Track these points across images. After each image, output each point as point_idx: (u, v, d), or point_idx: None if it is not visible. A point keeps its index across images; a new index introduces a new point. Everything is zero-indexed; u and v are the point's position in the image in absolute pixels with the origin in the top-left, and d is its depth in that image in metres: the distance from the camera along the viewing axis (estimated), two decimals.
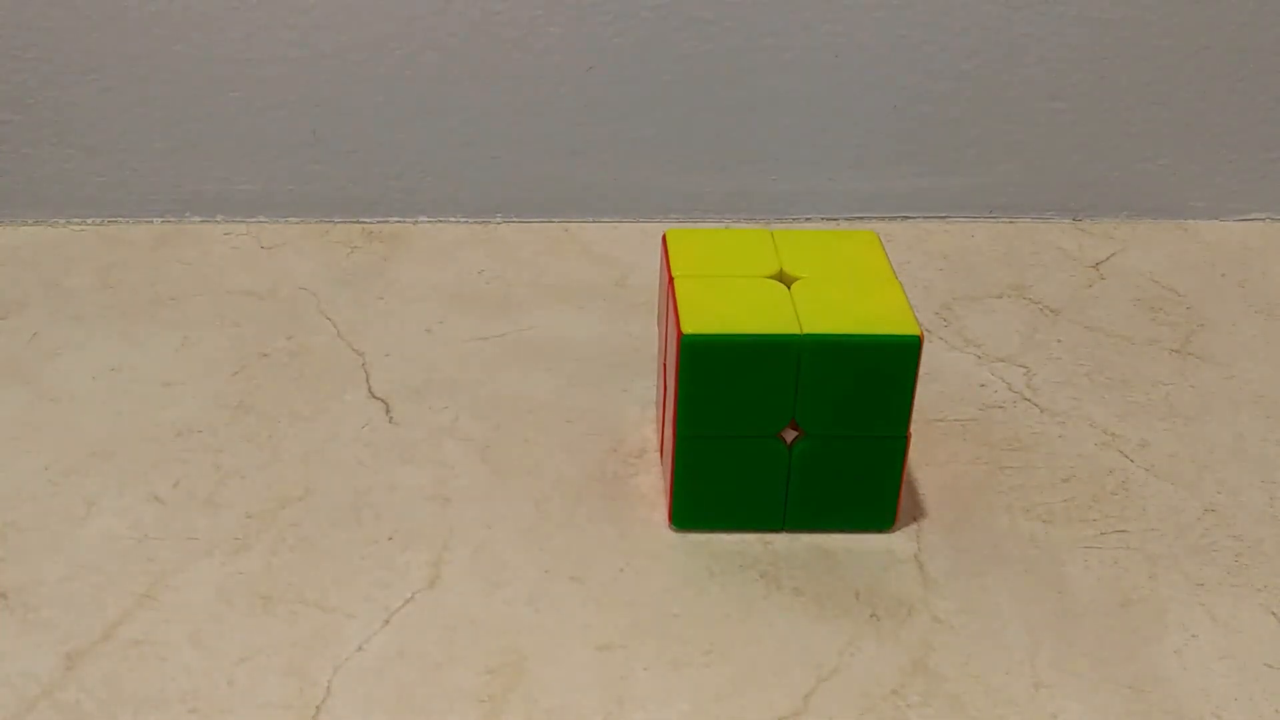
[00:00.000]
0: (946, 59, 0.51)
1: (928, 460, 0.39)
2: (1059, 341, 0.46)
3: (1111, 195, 0.54)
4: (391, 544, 0.36)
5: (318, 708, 0.30)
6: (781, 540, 0.36)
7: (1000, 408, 0.42)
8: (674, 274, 0.35)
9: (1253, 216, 0.54)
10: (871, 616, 0.33)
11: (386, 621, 0.33)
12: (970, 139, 0.53)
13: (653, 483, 0.38)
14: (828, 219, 0.53)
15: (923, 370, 0.44)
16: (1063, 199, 0.54)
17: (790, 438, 0.35)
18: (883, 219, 0.54)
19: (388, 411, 0.41)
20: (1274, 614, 0.34)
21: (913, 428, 0.35)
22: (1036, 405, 0.42)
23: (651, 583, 0.34)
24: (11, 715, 0.30)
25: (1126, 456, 0.40)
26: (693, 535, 0.36)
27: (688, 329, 0.33)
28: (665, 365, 0.36)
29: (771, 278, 0.36)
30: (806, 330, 0.33)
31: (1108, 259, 0.51)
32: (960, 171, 0.53)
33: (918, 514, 0.37)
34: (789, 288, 0.35)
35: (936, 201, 0.54)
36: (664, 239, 0.37)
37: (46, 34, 0.49)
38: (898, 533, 0.36)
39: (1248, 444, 0.41)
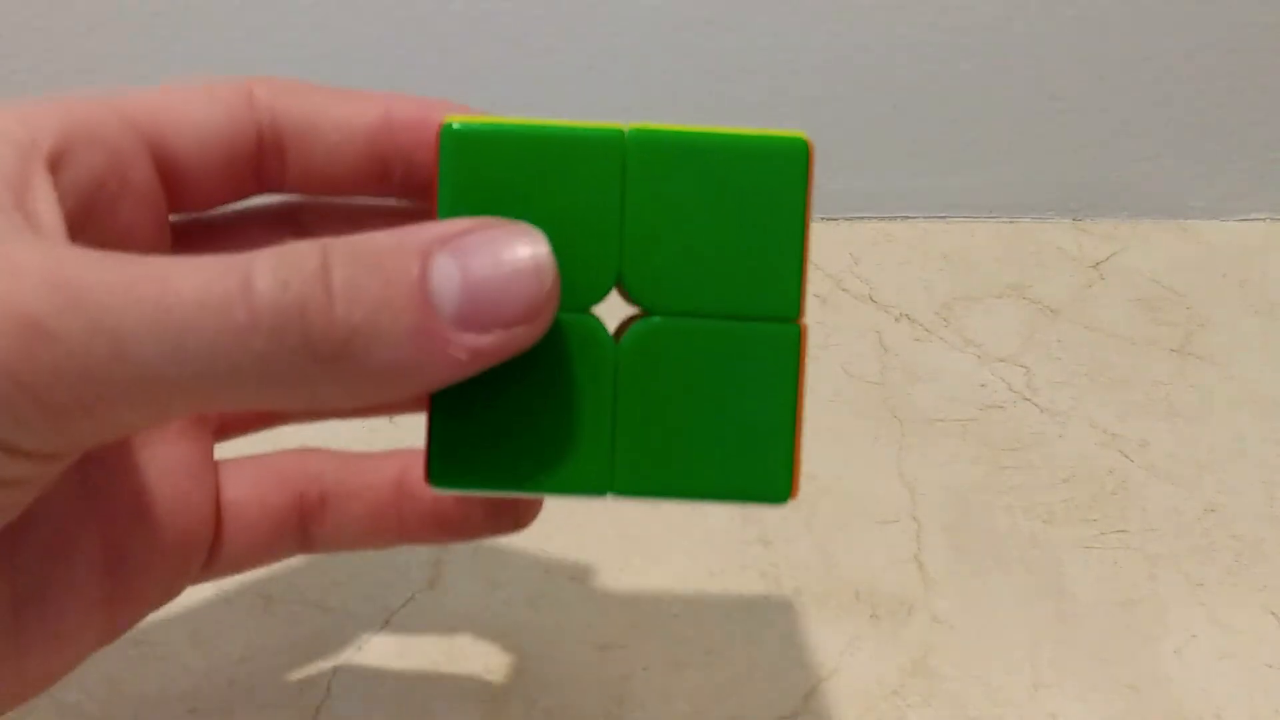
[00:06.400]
0: (946, 59, 0.51)
1: (928, 460, 0.39)
2: (1059, 341, 0.46)
3: (1111, 195, 0.54)
4: None
5: (318, 708, 0.30)
6: (781, 540, 0.36)
7: (1000, 408, 0.42)
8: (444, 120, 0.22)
9: (1253, 216, 0.54)
10: (871, 616, 0.33)
11: (386, 621, 0.33)
12: (970, 139, 0.53)
13: None
14: (827, 219, 0.53)
15: (923, 370, 0.44)
16: (1063, 199, 0.54)
17: (616, 322, 0.21)
18: (883, 219, 0.54)
19: None
20: (1274, 614, 0.34)
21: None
22: (1036, 405, 0.42)
23: (651, 583, 0.34)
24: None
25: (1126, 456, 0.40)
26: (693, 534, 0.36)
27: (452, 120, 0.21)
28: None
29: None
30: (634, 127, 0.21)
31: (1108, 259, 0.51)
32: (960, 171, 0.53)
33: (918, 514, 0.37)
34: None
35: (936, 201, 0.54)
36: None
37: (46, 34, 0.49)
38: (898, 533, 0.36)
39: (1248, 444, 0.41)
